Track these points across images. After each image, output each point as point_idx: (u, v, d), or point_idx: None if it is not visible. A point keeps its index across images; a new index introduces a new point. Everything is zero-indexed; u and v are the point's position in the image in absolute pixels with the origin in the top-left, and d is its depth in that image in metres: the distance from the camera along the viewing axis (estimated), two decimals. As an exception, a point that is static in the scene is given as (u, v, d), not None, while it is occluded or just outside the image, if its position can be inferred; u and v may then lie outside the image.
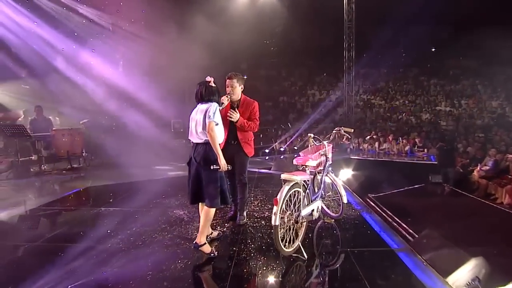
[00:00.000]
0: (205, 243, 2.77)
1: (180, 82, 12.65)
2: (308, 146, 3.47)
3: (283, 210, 2.57)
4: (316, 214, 3.01)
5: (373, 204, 4.59)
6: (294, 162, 2.92)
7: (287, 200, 2.60)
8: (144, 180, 5.90)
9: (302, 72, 18.81)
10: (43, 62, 9.98)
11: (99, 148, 8.39)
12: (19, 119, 8.99)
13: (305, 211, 2.76)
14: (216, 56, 12.84)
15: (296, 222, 2.67)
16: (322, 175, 3.33)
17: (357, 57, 12.09)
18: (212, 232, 3.14)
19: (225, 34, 12.11)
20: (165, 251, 2.95)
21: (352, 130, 3.50)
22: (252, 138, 3.52)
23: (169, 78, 10.72)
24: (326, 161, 3.40)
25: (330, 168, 3.47)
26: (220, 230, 3.31)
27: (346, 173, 6.20)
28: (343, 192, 3.34)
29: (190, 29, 11.42)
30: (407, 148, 9.03)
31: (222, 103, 3.19)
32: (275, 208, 2.46)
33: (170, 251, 2.93)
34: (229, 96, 3.26)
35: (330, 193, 3.58)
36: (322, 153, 3.39)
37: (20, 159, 7.55)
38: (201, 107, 2.76)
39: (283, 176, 2.61)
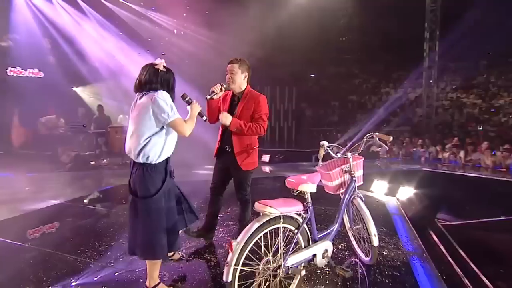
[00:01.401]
0: (158, 284, 2.11)
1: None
2: (332, 158, 2.52)
3: (248, 256, 1.74)
4: (322, 261, 2.05)
5: (437, 241, 3.23)
6: (287, 184, 2.03)
7: (258, 243, 1.75)
8: (180, 181, 5.62)
9: (376, 68, 16.67)
10: (119, 66, 11.02)
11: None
12: (93, 117, 10.03)
13: (294, 259, 1.85)
14: (281, 54, 12.20)
15: (274, 276, 1.79)
16: (344, 201, 2.34)
17: (443, 46, 9.88)
18: (173, 254, 2.54)
19: (290, 30, 11.37)
20: (128, 277, 2.43)
21: (391, 138, 2.38)
22: (256, 146, 2.69)
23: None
24: (352, 181, 2.39)
25: (357, 191, 2.43)
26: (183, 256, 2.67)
27: (407, 191, 4.75)
28: (372, 230, 2.26)
29: (251, 27, 11.04)
30: (509, 161, 6.75)
31: (213, 91, 2.50)
32: (229, 256, 1.65)
33: (131, 279, 2.40)
34: (224, 85, 2.56)
35: (360, 225, 2.53)
36: (346, 169, 2.39)
37: (85, 153, 8.37)
38: (140, 101, 1.92)
39: (256, 206, 1.77)
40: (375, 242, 2.27)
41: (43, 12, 9.33)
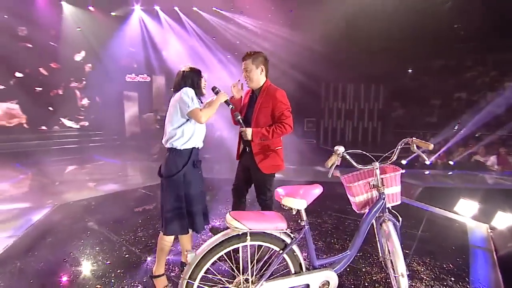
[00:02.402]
0: (161, 275, 2.17)
1: (323, 78, 11.92)
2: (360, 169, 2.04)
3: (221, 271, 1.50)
4: (320, 294, 1.65)
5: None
6: (274, 195, 1.69)
7: (224, 258, 1.50)
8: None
9: (498, 58, 13.29)
10: (208, 68, 12.08)
11: (225, 143, 9.04)
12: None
13: (274, 285, 1.53)
14: (370, 49, 11.08)
15: (242, 301, 1.51)
16: (364, 223, 1.85)
17: None
18: None
19: (383, 20, 10.17)
20: (146, 265, 2.57)
21: (431, 146, 1.73)
22: (278, 147, 2.45)
23: (309, 74, 10.43)
24: (380, 198, 1.87)
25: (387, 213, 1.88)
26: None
27: (508, 218, 3.48)
28: (400, 267, 1.69)
29: (336, 20, 10.37)
30: None
31: (232, 96, 2.52)
32: (186, 268, 1.45)
33: (147, 267, 2.51)
34: (236, 87, 2.53)
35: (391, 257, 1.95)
36: (374, 183, 1.88)
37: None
38: (173, 98, 2.18)
39: (226, 217, 1.51)
40: (403, 285, 1.69)
41: (146, 24, 10.94)
